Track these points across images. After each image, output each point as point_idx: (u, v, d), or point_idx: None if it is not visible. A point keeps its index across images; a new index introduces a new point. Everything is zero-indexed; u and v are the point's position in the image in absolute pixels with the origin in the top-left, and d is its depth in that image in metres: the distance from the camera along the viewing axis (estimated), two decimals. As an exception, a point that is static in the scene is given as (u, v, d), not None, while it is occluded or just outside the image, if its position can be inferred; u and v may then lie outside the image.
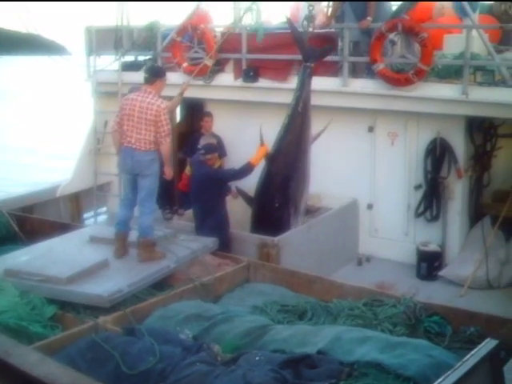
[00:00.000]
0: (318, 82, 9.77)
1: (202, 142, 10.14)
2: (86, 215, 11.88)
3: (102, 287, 6.91)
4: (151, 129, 7.65)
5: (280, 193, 9.01)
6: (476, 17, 10.03)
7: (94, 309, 6.75)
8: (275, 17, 13.77)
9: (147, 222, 7.84)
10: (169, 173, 8.03)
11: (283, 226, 9.13)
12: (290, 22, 9.62)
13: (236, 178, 9.14)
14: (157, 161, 7.80)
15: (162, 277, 7.61)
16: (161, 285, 7.54)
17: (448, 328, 6.53)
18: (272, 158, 9.08)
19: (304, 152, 9.34)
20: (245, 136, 10.75)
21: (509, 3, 7.84)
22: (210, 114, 11.01)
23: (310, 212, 9.74)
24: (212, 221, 8.78)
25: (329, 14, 10.96)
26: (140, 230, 7.86)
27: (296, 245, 8.89)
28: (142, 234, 7.84)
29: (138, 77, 9.66)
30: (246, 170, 8.91)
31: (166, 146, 7.72)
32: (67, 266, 7.31)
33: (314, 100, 9.52)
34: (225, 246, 8.66)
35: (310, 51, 9.45)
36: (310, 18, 9.92)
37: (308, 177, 9.51)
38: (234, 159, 10.68)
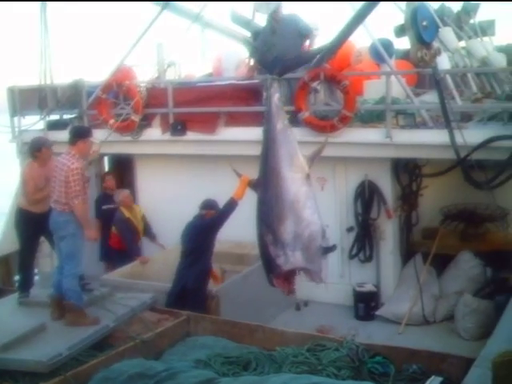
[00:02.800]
0: (244, 133, 9.91)
1: (116, 198, 10.77)
2: (16, 278, 11.55)
3: (41, 352, 6.77)
4: (62, 190, 7.59)
5: (261, 221, 8.12)
6: (393, 62, 10.46)
7: (33, 375, 6.59)
8: (197, 71, 14.03)
9: (67, 285, 7.70)
10: (89, 235, 7.86)
11: (268, 258, 8.30)
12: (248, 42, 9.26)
13: (222, 219, 8.64)
14: (72, 222, 7.66)
15: (101, 337, 7.49)
16: (101, 345, 7.41)
17: (391, 367, 6.64)
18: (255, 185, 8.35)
19: (275, 172, 8.38)
20: (174, 189, 10.79)
21: (425, 50, 8.20)
22: (109, 173, 11.77)
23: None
24: (196, 270, 8.64)
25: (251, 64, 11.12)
26: (64, 293, 7.76)
27: (234, 294, 8.88)
28: (65, 297, 7.75)
29: (64, 135, 9.57)
30: (230, 206, 8.45)
31: (76, 207, 7.57)
32: (2, 333, 7.14)
33: (240, 150, 9.56)
34: (201, 297, 8.61)
35: (272, 61, 8.82)
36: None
37: (296, 203, 7.76)
38: (166, 213, 10.69)
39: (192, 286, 8.59)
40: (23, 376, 6.61)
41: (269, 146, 6.29)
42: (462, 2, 12.22)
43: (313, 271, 5.98)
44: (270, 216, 6.18)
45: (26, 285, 8.75)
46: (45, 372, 6.55)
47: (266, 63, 6.70)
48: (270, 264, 6.12)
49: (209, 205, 8.91)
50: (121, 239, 10.61)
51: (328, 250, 6.13)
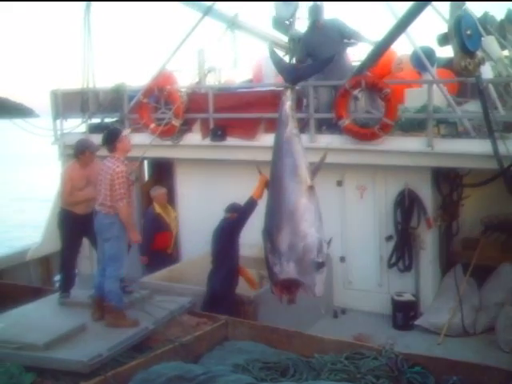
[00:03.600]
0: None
1: (152, 192, 10.80)
2: (56, 278, 11.71)
3: (81, 352, 6.83)
4: (107, 193, 7.67)
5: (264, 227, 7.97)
6: (435, 71, 10.39)
7: (73, 375, 6.63)
8: (238, 76, 14.11)
9: (108, 287, 7.77)
10: (133, 237, 7.94)
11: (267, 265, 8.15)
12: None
13: (242, 219, 8.64)
14: (117, 224, 7.73)
15: (140, 339, 7.54)
16: (140, 347, 7.46)
17: (430, 378, 6.56)
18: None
19: (276, 182, 7.19)
20: (213, 194, 10.84)
21: (468, 59, 8.13)
22: None
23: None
24: (222, 273, 8.69)
25: None
26: (105, 295, 7.84)
27: (272, 301, 8.82)
28: (106, 298, 7.82)
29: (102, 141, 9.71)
30: (249, 206, 8.42)
31: (121, 209, 7.65)
32: (44, 333, 7.22)
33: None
34: (229, 300, 8.66)
35: (288, 69, 8.58)
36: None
37: (294, 213, 6.83)
38: (204, 217, 10.72)
39: (219, 290, 8.66)
40: (64, 375, 6.68)
41: (276, 154, 6.30)
42: (505, 11, 12.13)
43: (306, 285, 5.89)
44: (271, 224, 6.20)
45: (67, 285, 8.84)
46: (85, 372, 6.61)
47: (283, 70, 6.67)
48: (269, 271, 6.12)
49: (232, 208, 8.96)
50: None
51: (319, 265, 6.03)
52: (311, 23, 10.48)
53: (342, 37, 10.31)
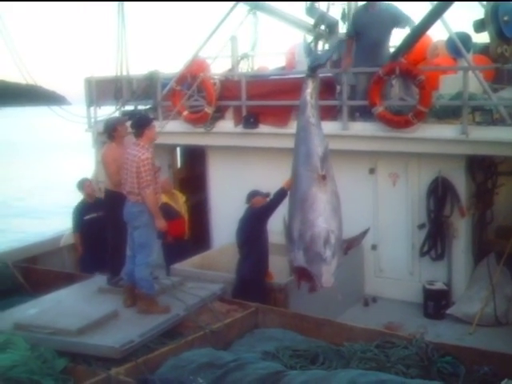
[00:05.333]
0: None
1: None
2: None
3: (113, 338, 6.91)
4: (134, 181, 7.67)
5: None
6: (471, 57, 10.23)
7: (105, 360, 6.71)
8: (271, 63, 14.08)
9: (139, 274, 7.82)
10: (159, 224, 7.90)
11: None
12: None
13: (271, 207, 8.64)
14: (146, 213, 7.74)
15: (171, 325, 7.60)
16: (171, 333, 7.51)
17: (461, 368, 6.52)
18: None
19: (292, 170, 7.12)
20: (245, 181, 10.83)
21: (505, 46, 8.00)
22: (88, 179, 11.04)
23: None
24: (251, 261, 8.73)
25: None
26: (136, 282, 7.89)
27: (303, 288, 8.87)
28: (137, 286, 7.88)
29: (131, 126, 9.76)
30: (279, 196, 8.45)
31: (148, 197, 7.65)
32: (77, 318, 7.32)
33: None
34: (259, 287, 8.67)
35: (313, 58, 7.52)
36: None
37: (305, 202, 6.61)
38: (237, 204, 10.74)
39: (248, 278, 8.68)
40: (96, 360, 6.76)
41: (295, 141, 6.29)
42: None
43: (313, 274, 5.86)
44: (288, 211, 6.22)
45: (116, 268, 8.67)
46: (117, 358, 6.68)
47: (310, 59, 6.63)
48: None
49: (252, 194, 8.98)
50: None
51: (325, 256, 5.98)
52: (366, 3, 10.36)
53: (394, 23, 10.13)
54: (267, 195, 8.89)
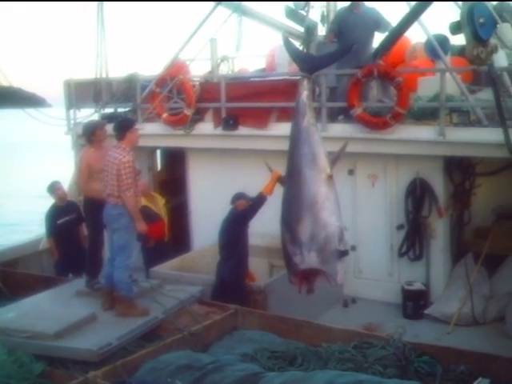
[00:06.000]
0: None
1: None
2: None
3: (91, 341, 6.90)
4: (114, 183, 7.65)
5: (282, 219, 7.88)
6: (448, 59, 10.32)
7: (83, 364, 6.71)
8: (251, 65, 14.10)
9: (118, 276, 7.82)
10: (140, 227, 7.89)
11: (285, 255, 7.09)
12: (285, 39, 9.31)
13: (250, 213, 8.75)
14: (125, 215, 7.73)
15: (150, 328, 7.61)
16: (150, 336, 7.51)
17: (438, 367, 6.58)
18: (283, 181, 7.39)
19: (295, 171, 7.00)
20: (225, 183, 10.85)
21: (481, 48, 8.04)
22: (58, 182, 10.67)
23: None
24: (231, 263, 8.75)
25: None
26: (115, 285, 7.89)
27: (282, 290, 8.87)
28: (116, 288, 7.88)
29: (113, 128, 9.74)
30: (258, 201, 8.56)
31: (128, 200, 7.64)
32: (55, 322, 7.30)
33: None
34: (238, 290, 8.69)
35: (304, 58, 7.68)
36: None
37: (315, 203, 6.70)
38: (216, 206, 10.74)
39: (228, 280, 8.69)
40: (74, 364, 6.75)
41: (294, 144, 6.26)
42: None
43: (327, 273, 5.91)
44: (290, 214, 6.18)
45: (94, 271, 8.72)
46: (95, 361, 6.67)
47: (298, 60, 6.64)
48: (288, 262, 6.11)
49: (237, 196, 9.00)
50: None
51: (342, 253, 6.05)
52: (351, 3, 10.42)
53: (376, 25, 10.28)
54: (252, 200, 8.92)
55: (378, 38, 10.51)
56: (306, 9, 11.33)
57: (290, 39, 9.73)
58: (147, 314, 7.75)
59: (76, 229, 10.14)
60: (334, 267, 5.96)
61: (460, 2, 9.77)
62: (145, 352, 6.85)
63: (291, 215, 6.14)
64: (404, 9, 9.39)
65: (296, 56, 6.84)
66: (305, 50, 10.78)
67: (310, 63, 6.70)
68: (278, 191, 7.97)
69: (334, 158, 6.32)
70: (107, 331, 7.23)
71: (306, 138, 6.28)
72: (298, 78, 6.50)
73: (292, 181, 6.25)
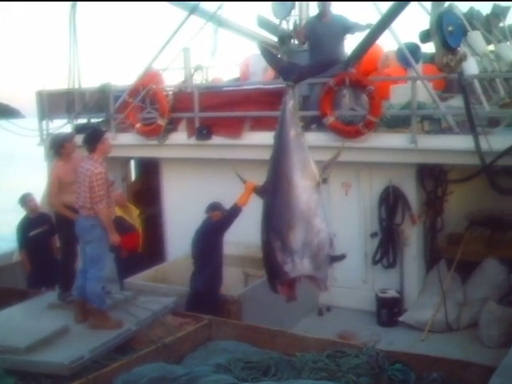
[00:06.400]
0: (268, 137, 9.86)
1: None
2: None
3: (63, 355, 6.83)
4: (87, 195, 7.59)
5: (268, 227, 7.87)
6: (420, 67, 10.40)
7: (55, 378, 6.65)
8: (225, 75, 14.11)
9: (90, 289, 7.75)
10: (113, 239, 7.83)
11: (274, 265, 7.03)
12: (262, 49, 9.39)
13: (225, 224, 8.72)
14: (98, 227, 7.68)
15: (123, 340, 7.55)
16: (123, 349, 7.46)
17: (411, 375, 6.61)
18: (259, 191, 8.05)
19: (286, 180, 7.00)
20: (199, 193, 10.83)
21: (450, 56, 8.12)
22: (30, 194, 10.67)
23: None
24: (205, 274, 8.69)
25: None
26: (87, 297, 7.83)
27: (256, 299, 8.88)
28: (89, 300, 7.82)
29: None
30: (233, 212, 8.52)
31: (101, 212, 7.59)
32: (26, 335, 7.23)
33: (265, 155, 9.57)
34: (213, 301, 8.64)
35: (289, 68, 8.01)
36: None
37: (306, 210, 6.82)
38: (191, 216, 10.70)
39: (202, 290, 8.64)
40: (45, 378, 6.68)
41: (282, 152, 6.30)
42: (491, 5, 12.14)
43: (319, 279, 5.99)
44: (279, 222, 6.23)
45: (67, 284, 8.61)
46: (66, 375, 6.61)
47: (281, 69, 6.71)
48: (276, 270, 6.15)
49: (213, 207, 8.96)
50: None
51: (336, 258, 6.16)
52: (319, 12, 10.45)
53: (344, 32, 10.34)
54: (226, 211, 8.87)
55: (351, 45, 10.61)
56: (288, 18, 11.33)
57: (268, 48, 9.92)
58: (120, 326, 7.69)
59: (48, 241, 10.06)
60: (326, 273, 6.07)
61: (429, 9, 9.85)
62: (117, 365, 6.79)
63: (282, 223, 6.20)
64: (375, 16, 9.46)
65: (277, 65, 6.91)
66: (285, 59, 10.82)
67: (294, 73, 6.78)
68: (253, 202, 8.09)
69: (325, 167, 6.30)
70: (79, 344, 7.17)
71: (295, 147, 6.39)
72: (283, 86, 6.57)
73: (281, 189, 6.32)
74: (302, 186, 6.27)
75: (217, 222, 8.80)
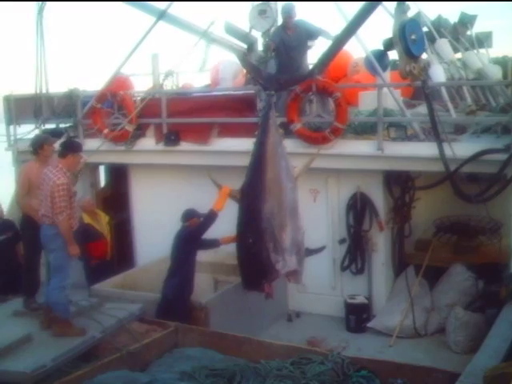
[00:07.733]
0: (236, 143, 9.92)
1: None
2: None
3: (25, 363, 6.74)
4: (49, 205, 7.49)
5: (253, 228, 7.68)
6: (388, 74, 10.46)
7: (17, 387, 6.55)
8: (196, 81, 14.06)
9: (54, 298, 7.65)
10: (72, 251, 7.64)
11: (264, 264, 7.60)
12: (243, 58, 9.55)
13: (201, 230, 8.66)
14: (60, 235, 7.54)
15: (87, 348, 7.47)
16: (87, 356, 7.39)
17: (376, 381, 6.62)
18: (241, 194, 7.98)
19: (276, 183, 7.74)
20: (168, 199, 10.79)
21: (413, 64, 8.17)
22: None
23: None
24: (175, 280, 8.64)
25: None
26: (51, 305, 7.74)
27: (225, 306, 8.86)
28: (52, 309, 7.72)
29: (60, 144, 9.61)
30: (209, 217, 8.48)
31: (61, 223, 7.45)
32: (-12, 344, 7.11)
33: (233, 161, 9.60)
34: (181, 307, 8.59)
35: (269, 78, 8.49)
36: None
37: (292, 210, 7.76)
38: (160, 222, 10.67)
39: (171, 298, 8.60)
40: (7, 387, 6.60)
41: (266, 158, 6.57)
42: (459, 13, 12.26)
43: (298, 272, 6.39)
44: (270, 224, 6.54)
45: (31, 290, 8.56)
46: (28, 384, 6.53)
47: (262, 78, 6.89)
48: (266, 270, 6.42)
49: (188, 214, 8.92)
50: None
51: (316, 251, 6.88)
52: (283, 22, 10.43)
53: (309, 37, 10.42)
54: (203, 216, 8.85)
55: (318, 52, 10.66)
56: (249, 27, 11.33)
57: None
58: (84, 334, 7.60)
59: (13, 247, 9.96)
60: (303, 265, 7.24)
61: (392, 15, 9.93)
62: (81, 373, 6.73)
63: (273, 226, 6.45)
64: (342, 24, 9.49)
65: (258, 74, 7.12)
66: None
67: (276, 82, 6.99)
68: (228, 206, 8.15)
69: (303, 169, 7.28)
70: (42, 352, 7.07)
71: (282, 153, 6.68)
72: (252, 92, 6.88)
73: (269, 193, 6.90)
74: (288, 188, 6.97)
75: (194, 229, 8.77)
